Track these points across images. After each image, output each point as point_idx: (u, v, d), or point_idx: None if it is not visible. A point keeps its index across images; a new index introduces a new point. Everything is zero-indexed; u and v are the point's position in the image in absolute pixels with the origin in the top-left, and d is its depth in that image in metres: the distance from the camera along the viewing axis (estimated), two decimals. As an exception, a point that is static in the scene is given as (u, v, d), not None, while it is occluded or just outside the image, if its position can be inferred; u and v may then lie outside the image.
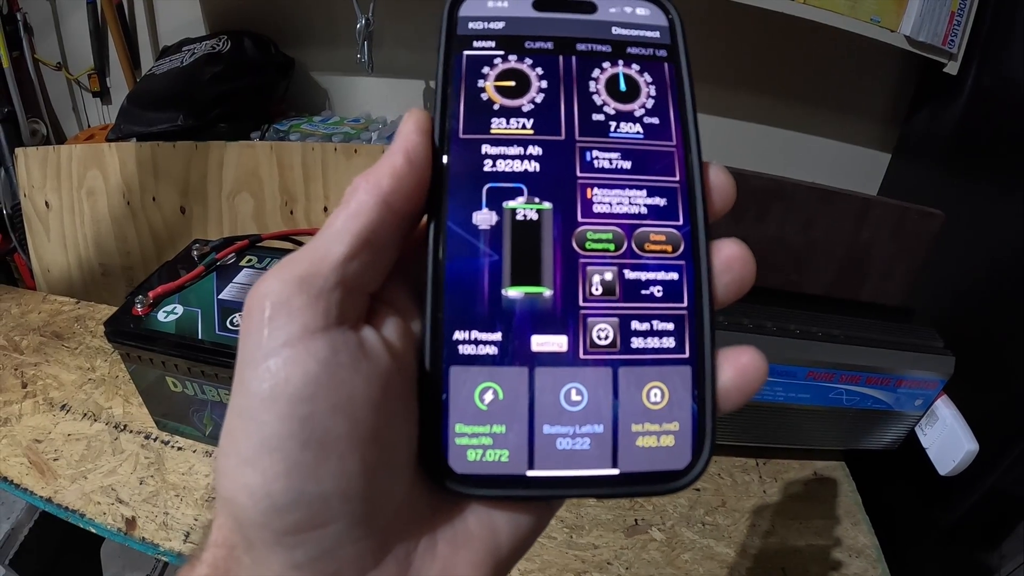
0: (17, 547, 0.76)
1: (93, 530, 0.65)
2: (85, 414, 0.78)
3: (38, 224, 1.05)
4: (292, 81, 1.15)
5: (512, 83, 0.22)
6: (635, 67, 0.23)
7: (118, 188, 1.00)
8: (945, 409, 0.69)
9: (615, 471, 0.20)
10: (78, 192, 1.01)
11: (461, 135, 0.21)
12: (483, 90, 0.22)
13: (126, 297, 0.66)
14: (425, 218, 0.21)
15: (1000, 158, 0.80)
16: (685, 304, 0.21)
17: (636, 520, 0.70)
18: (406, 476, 0.19)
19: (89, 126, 1.31)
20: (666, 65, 0.23)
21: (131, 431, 0.75)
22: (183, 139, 0.97)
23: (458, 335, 0.20)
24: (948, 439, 0.67)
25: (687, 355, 0.20)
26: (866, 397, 0.69)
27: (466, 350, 0.20)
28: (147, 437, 0.75)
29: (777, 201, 0.71)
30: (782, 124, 1.09)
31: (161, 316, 0.64)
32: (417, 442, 0.20)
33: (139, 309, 0.65)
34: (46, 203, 1.03)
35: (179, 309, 0.65)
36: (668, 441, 0.20)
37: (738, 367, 0.20)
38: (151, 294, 0.66)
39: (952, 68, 0.87)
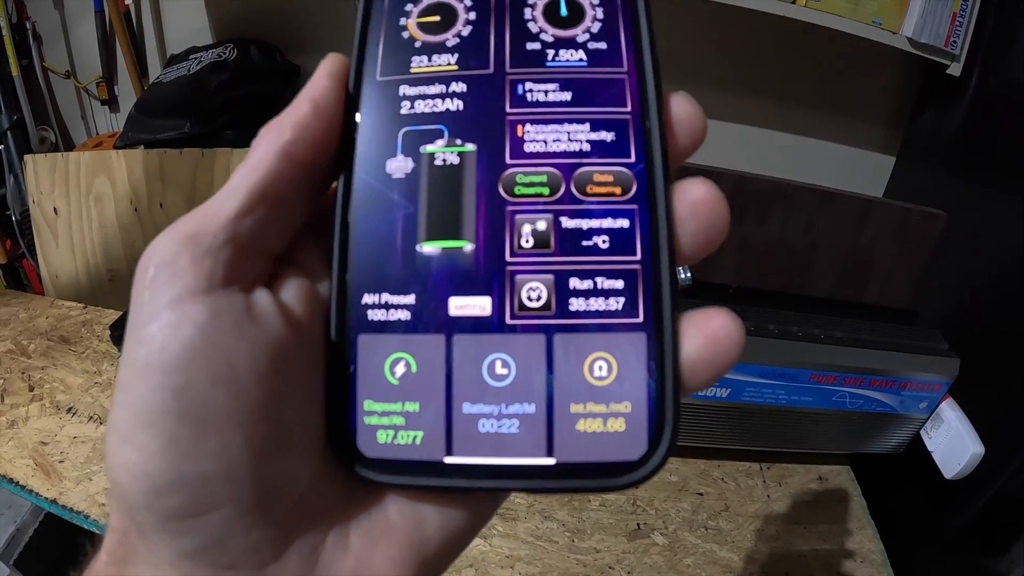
0: (22, 548, 0.77)
1: (97, 531, 0.66)
2: (91, 417, 0.78)
3: (46, 230, 1.06)
4: (297, 88, 1.15)
5: (437, 18, 0.19)
6: None
7: (126, 195, 1.01)
8: (950, 412, 0.68)
9: (550, 461, 0.17)
10: (86, 198, 1.02)
11: (378, 77, 0.19)
12: (405, 28, 0.20)
13: (131, 300, 0.67)
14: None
15: (1005, 159, 0.80)
16: (638, 257, 0.17)
17: (638, 524, 0.69)
18: (311, 459, 0.17)
19: (97, 133, 1.33)
20: None
21: (136, 434, 0.76)
22: (190, 146, 0.98)
23: (367, 299, 0.18)
24: (953, 442, 0.66)
25: (640, 319, 0.17)
26: (870, 400, 0.69)
27: (376, 316, 0.18)
28: (151, 440, 0.75)
29: (778, 203, 0.71)
30: (786, 128, 1.09)
31: (165, 319, 0.65)
32: (324, 421, 0.18)
33: (143, 312, 0.65)
34: (54, 209, 1.04)
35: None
36: (617, 425, 0.17)
37: (707, 334, 0.17)
38: (155, 297, 0.66)
39: (955, 69, 0.87)
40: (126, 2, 1.13)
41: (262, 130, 0.18)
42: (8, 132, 1.16)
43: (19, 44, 1.19)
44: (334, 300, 0.18)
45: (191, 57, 1.07)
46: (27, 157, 1.05)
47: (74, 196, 1.03)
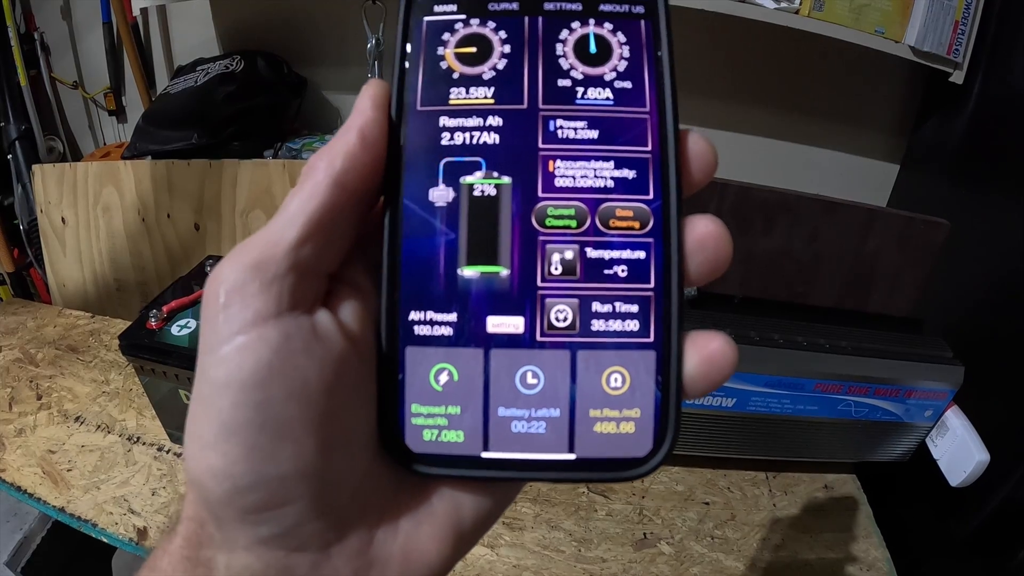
0: (30, 555, 0.77)
1: (105, 540, 0.66)
2: (99, 426, 0.79)
3: (54, 239, 1.07)
4: (304, 100, 1.16)
5: (473, 49, 0.21)
6: (608, 26, 0.21)
7: (133, 205, 1.02)
8: (955, 420, 0.68)
9: (571, 456, 0.19)
10: (94, 208, 1.03)
11: (419, 107, 0.20)
12: (443, 58, 0.21)
13: (141, 311, 0.67)
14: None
15: (1008, 166, 0.80)
16: (652, 285, 0.20)
17: (645, 534, 0.69)
18: (366, 455, 0.20)
19: (105, 144, 1.34)
20: (643, 23, 0.21)
21: (144, 443, 0.76)
22: (197, 157, 0.99)
23: (414, 315, 0.20)
24: (959, 450, 0.67)
25: (651, 339, 0.19)
26: (875, 409, 0.69)
27: (422, 331, 0.20)
28: (159, 449, 0.76)
29: (782, 214, 0.72)
30: (790, 138, 1.10)
31: (175, 330, 0.65)
32: (376, 422, 0.20)
33: (153, 323, 0.66)
34: (62, 219, 1.05)
35: (192, 323, 0.66)
36: (628, 428, 0.19)
37: (705, 354, 0.19)
38: (165, 308, 0.67)
39: (958, 77, 0.87)
40: (134, 14, 1.14)
41: (313, 158, 0.19)
42: (16, 142, 1.17)
43: (27, 54, 1.20)
44: (384, 316, 0.20)
45: (198, 68, 1.08)
46: (35, 167, 1.06)
47: (82, 206, 1.04)
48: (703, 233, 0.20)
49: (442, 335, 0.20)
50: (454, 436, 0.20)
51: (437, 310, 0.20)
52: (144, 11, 1.18)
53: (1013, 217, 0.75)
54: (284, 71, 1.11)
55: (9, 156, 1.16)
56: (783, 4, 0.83)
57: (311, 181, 0.19)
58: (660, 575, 0.65)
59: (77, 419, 0.80)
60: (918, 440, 0.72)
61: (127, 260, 1.04)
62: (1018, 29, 0.82)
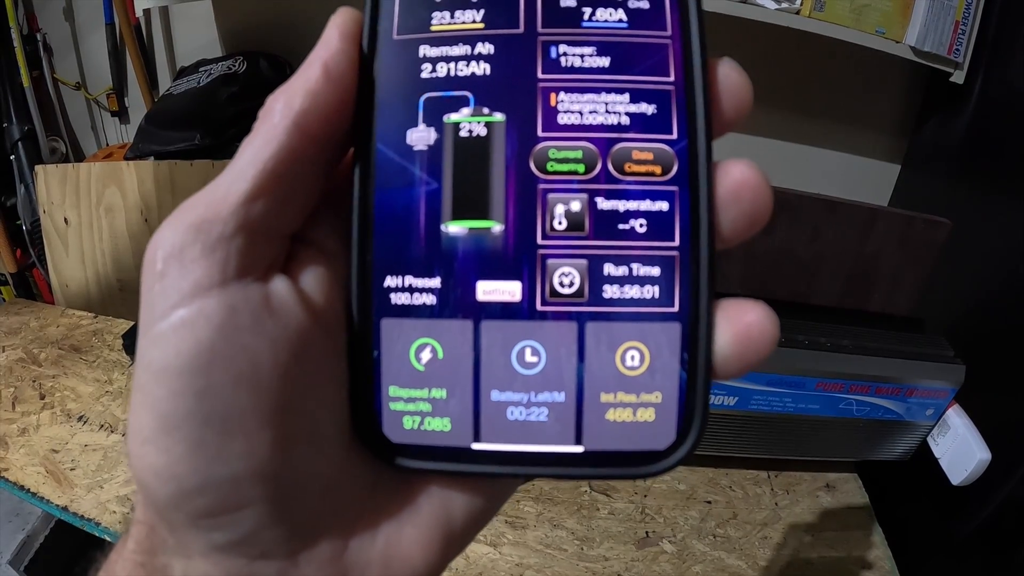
0: (32, 554, 0.77)
1: (108, 539, 0.66)
2: (102, 425, 0.79)
3: (57, 240, 1.07)
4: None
5: None
6: None
7: (136, 205, 1.02)
8: (956, 418, 0.68)
9: (578, 448, 0.17)
10: (96, 209, 1.03)
11: (395, 36, 0.17)
12: None
13: (143, 310, 0.68)
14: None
15: (1009, 165, 0.80)
16: (676, 243, 0.17)
17: (647, 532, 0.70)
18: (336, 448, 0.17)
19: (107, 144, 1.34)
20: None
21: (146, 442, 0.76)
22: (200, 158, 0.99)
23: (390, 281, 0.17)
24: (960, 449, 0.67)
25: (676, 309, 0.16)
26: (876, 407, 0.69)
27: (399, 299, 0.17)
28: (162, 448, 0.76)
29: (783, 212, 0.72)
30: (791, 138, 1.10)
31: (177, 328, 0.66)
32: (348, 407, 0.17)
33: (155, 321, 0.66)
34: (65, 219, 1.05)
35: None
36: (647, 415, 0.17)
37: (740, 328, 0.16)
38: (167, 307, 0.67)
39: (958, 77, 0.87)
40: (136, 15, 1.15)
41: (269, 99, 0.16)
42: (19, 143, 1.17)
43: (30, 55, 1.21)
44: (355, 283, 0.17)
45: (201, 69, 1.08)
46: (38, 168, 1.06)
47: (84, 206, 1.04)
48: (738, 181, 0.16)
49: (424, 304, 0.17)
50: (439, 424, 0.17)
51: (417, 275, 0.17)
52: (147, 12, 1.18)
53: (1014, 216, 0.75)
54: (287, 72, 1.11)
55: (12, 157, 1.17)
56: (784, 4, 0.83)
57: (266, 125, 0.16)
58: (662, 573, 0.66)
59: (80, 419, 0.80)
60: (919, 439, 0.72)
61: (130, 260, 1.05)
62: (1018, 29, 0.82)
